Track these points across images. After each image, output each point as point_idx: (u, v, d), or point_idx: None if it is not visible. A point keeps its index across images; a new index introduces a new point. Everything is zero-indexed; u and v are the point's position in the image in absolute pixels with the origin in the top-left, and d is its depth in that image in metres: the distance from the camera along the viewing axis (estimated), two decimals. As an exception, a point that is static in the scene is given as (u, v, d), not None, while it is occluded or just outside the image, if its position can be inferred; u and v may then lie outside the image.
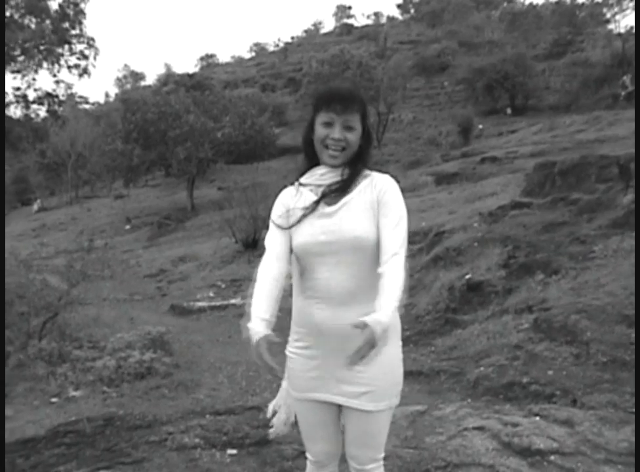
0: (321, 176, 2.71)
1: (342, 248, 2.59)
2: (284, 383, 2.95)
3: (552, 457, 4.36)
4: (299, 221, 2.66)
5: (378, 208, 2.61)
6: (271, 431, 3.06)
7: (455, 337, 8.19)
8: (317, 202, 2.66)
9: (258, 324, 2.57)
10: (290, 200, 2.75)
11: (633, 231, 9.23)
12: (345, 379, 2.66)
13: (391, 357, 2.70)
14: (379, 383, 2.66)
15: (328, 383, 2.68)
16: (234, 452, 4.75)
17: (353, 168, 2.69)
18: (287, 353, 2.83)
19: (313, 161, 2.77)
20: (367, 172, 2.73)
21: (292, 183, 2.82)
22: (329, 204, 2.65)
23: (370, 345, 2.32)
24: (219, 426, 5.23)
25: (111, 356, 7.77)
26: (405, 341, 2.86)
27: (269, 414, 3.06)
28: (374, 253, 2.61)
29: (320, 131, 2.66)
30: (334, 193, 2.66)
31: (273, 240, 2.74)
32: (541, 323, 7.26)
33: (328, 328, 2.63)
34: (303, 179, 2.77)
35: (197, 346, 9.57)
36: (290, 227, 2.69)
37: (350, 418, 2.74)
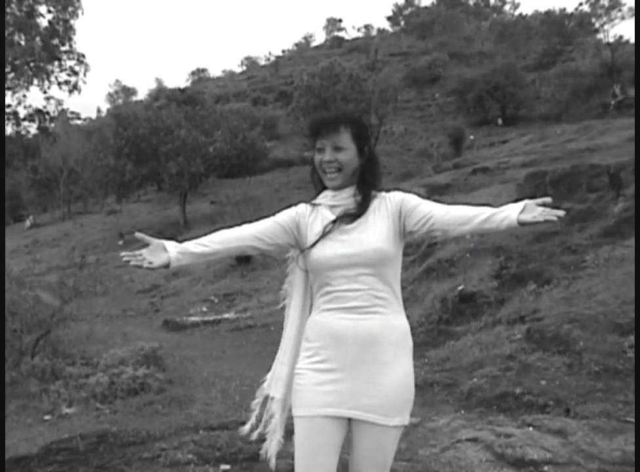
0: (333, 197, 2.78)
1: (362, 261, 2.63)
2: (275, 409, 2.91)
3: (545, 468, 4.36)
4: (320, 238, 2.70)
5: (401, 216, 2.69)
6: (272, 462, 2.99)
7: (448, 349, 8.19)
8: (334, 221, 2.71)
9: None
10: (307, 217, 2.80)
11: (624, 240, 9.27)
12: (362, 392, 2.63)
13: (406, 370, 2.71)
14: (395, 397, 2.66)
15: (344, 397, 2.64)
16: (227, 467, 4.74)
17: (362, 191, 2.76)
18: (295, 371, 2.79)
19: (319, 187, 2.86)
20: (374, 193, 2.79)
21: (306, 202, 2.88)
22: (346, 224, 2.71)
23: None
24: (212, 441, 5.21)
25: (104, 373, 7.74)
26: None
27: (247, 429, 3.04)
28: (392, 265, 2.69)
29: (315, 158, 2.77)
30: (350, 215, 2.72)
31: (264, 223, 2.80)
32: (534, 333, 7.26)
33: (349, 336, 2.63)
34: (316, 201, 2.84)
35: (190, 361, 9.55)
36: (311, 246, 2.71)
37: (362, 434, 2.69)
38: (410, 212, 2.65)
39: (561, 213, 2.35)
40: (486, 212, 2.47)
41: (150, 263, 2.57)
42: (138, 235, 2.65)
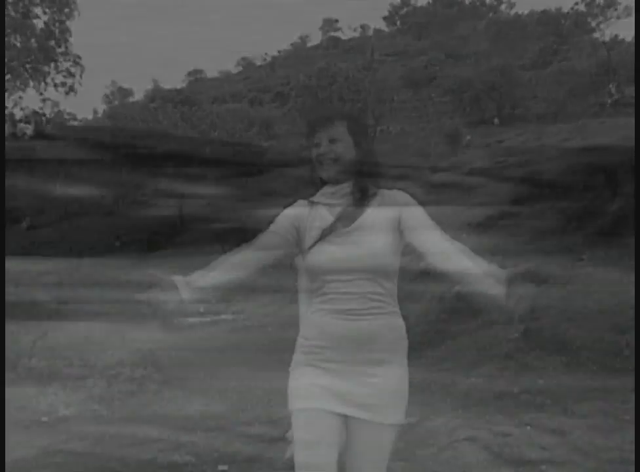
0: (332, 195, 2.75)
1: (359, 265, 2.61)
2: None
3: (543, 467, 4.36)
4: (317, 241, 2.68)
5: (400, 225, 2.65)
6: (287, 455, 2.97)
7: (445, 348, 8.19)
8: (332, 224, 2.69)
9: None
10: (305, 218, 2.76)
11: (620, 238, 9.27)
12: (357, 392, 2.63)
13: (401, 370, 2.72)
14: (390, 396, 2.66)
15: (339, 395, 2.64)
16: (225, 468, 4.74)
17: (360, 189, 2.73)
18: (291, 368, 2.79)
19: (319, 186, 2.82)
20: (374, 189, 2.76)
21: (303, 199, 2.84)
22: (345, 226, 2.68)
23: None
24: (210, 442, 5.21)
25: (101, 374, 7.74)
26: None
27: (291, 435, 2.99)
28: (389, 269, 2.67)
29: (312, 152, 2.74)
30: (348, 216, 2.69)
31: (264, 239, 2.76)
32: (531, 332, 7.26)
33: (345, 336, 2.63)
34: (314, 198, 2.80)
35: (187, 362, 9.53)
36: (309, 248, 2.69)
37: (358, 432, 2.70)
38: (410, 232, 2.62)
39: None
40: (478, 270, 2.41)
41: (164, 302, 2.59)
42: (149, 273, 2.64)
